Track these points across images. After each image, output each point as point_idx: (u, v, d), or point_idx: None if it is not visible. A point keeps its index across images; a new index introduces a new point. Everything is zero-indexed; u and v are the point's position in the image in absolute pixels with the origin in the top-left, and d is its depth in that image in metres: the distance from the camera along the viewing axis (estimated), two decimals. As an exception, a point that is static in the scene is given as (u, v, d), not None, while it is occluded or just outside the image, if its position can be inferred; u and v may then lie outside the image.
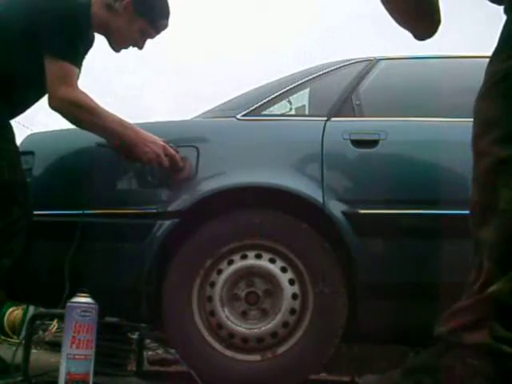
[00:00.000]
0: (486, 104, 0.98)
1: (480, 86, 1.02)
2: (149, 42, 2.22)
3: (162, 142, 2.05)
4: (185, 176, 2.10)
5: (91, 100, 2.01)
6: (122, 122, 2.04)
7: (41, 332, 3.82)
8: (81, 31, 2.04)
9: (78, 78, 2.03)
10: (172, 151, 2.06)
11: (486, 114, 0.98)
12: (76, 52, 2.03)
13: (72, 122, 2.04)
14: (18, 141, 2.18)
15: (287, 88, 2.38)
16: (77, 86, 2.01)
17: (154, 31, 2.17)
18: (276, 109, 2.34)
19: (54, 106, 1.99)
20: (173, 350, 2.14)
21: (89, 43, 2.27)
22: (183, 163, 2.09)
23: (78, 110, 1.98)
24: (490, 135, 0.96)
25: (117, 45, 2.19)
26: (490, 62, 1.00)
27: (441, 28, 1.20)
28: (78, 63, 2.04)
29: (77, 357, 1.66)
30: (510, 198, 0.89)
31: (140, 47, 2.20)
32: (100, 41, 2.26)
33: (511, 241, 0.89)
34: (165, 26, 2.17)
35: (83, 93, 2.02)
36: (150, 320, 2.15)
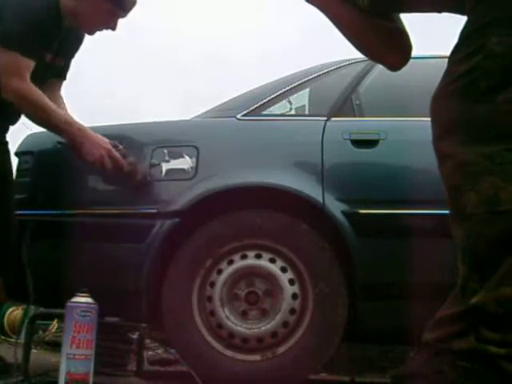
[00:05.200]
0: (445, 104, 0.97)
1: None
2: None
3: (108, 145, 2.05)
4: (138, 181, 2.09)
5: (40, 95, 2.01)
6: (68, 120, 2.05)
7: (41, 332, 3.82)
8: (43, 24, 2.02)
9: (30, 71, 2.01)
10: (116, 155, 2.05)
11: (445, 115, 0.96)
12: (31, 45, 2.01)
13: (23, 114, 2.07)
14: (18, 141, 2.19)
15: (287, 88, 2.38)
16: (27, 79, 2.00)
17: (122, 11, 2.15)
18: (276, 109, 2.34)
19: (7, 96, 2.00)
20: (173, 350, 2.13)
21: (75, 38, 2.25)
22: (132, 168, 2.07)
23: (25, 103, 2.01)
24: (452, 137, 0.94)
25: (88, 29, 2.20)
26: (449, 62, 0.99)
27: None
28: (33, 56, 2.02)
29: (77, 357, 1.66)
30: (477, 202, 0.88)
31: (113, 28, 2.18)
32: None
33: (482, 246, 0.88)
34: (132, 4, 2.14)
35: (33, 87, 2.01)
36: (150, 320, 2.15)
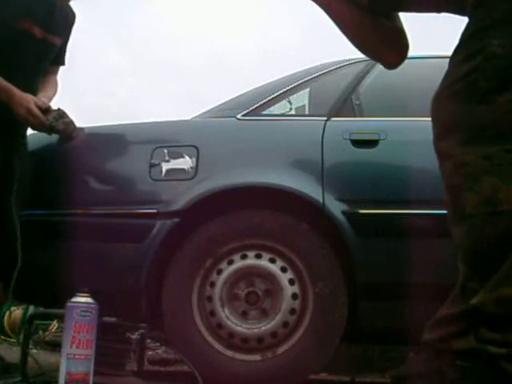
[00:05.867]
0: (446, 105, 0.98)
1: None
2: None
3: (30, 105, 2.04)
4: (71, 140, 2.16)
5: None
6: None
7: (41, 332, 3.82)
8: None
9: None
10: (36, 113, 2.04)
11: (446, 116, 0.97)
12: None
13: None
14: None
15: (287, 88, 2.38)
16: None
17: None
18: (276, 109, 2.34)
19: None
20: (173, 350, 2.13)
21: (63, 17, 2.25)
22: (66, 127, 2.11)
23: None
24: (452, 137, 0.95)
25: None
26: (450, 63, 1.00)
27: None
28: None
29: (77, 357, 1.66)
30: (476, 202, 0.89)
31: None
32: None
33: (481, 246, 0.89)
34: None
35: None
36: (150, 320, 2.15)
